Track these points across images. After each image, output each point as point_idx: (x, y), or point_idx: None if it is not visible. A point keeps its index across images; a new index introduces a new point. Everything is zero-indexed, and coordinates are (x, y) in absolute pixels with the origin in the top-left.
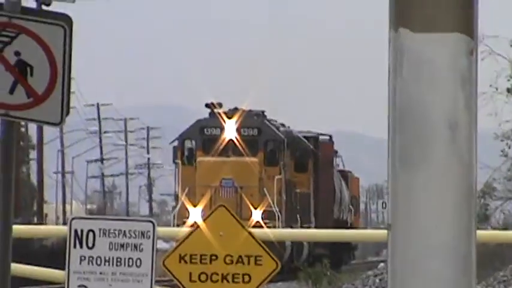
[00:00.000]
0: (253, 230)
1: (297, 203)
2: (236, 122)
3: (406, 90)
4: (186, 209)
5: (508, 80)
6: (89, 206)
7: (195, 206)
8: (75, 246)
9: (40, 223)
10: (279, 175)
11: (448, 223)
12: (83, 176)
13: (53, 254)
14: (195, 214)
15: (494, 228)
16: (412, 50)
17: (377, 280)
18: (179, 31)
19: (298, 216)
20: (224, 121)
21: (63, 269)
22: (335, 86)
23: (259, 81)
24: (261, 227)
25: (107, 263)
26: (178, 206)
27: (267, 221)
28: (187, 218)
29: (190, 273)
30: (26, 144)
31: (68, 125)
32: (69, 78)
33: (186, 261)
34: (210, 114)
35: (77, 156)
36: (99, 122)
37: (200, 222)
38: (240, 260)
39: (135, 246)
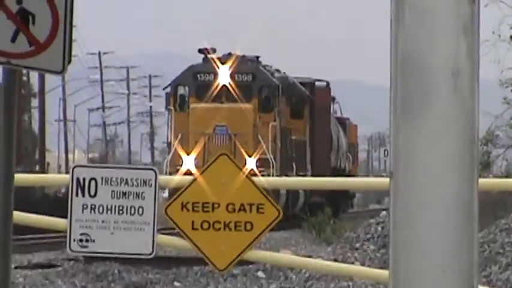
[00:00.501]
0: (254, 178)
1: (292, 151)
2: (230, 67)
3: (408, 38)
4: (179, 156)
5: (511, 28)
6: (90, 155)
7: (188, 153)
8: (77, 195)
9: (42, 171)
10: (273, 122)
11: (450, 171)
12: (84, 125)
13: (55, 202)
14: (188, 162)
15: (496, 176)
16: None
17: (379, 228)
18: None
19: (293, 164)
20: (218, 67)
21: (65, 217)
22: (334, 32)
23: (254, 26)
24: (255, 175)
25: (109, 211)
26: (171, 153)
27: (261, 169)
28: (180, 165)
29: (193, 222)
30: (27, 93)
31: (70, 73)
32: (71, 26)
33: (188, 210)
34: (203, 59)
35: (78, 105)
36: (101, 71)
37: (194, 170)
38: (242, 208)
39: (137, 195)
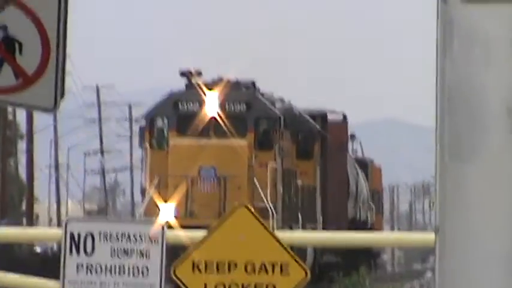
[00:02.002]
0: (278, 233)
1: (298, 198)
2: (219, 94)
3: (457, 70)
4: (156, 205)
5: None
6: (87, 206)
7: (166, 201)
8: (71, 253)
9: (30, 225)
10: (273, 162)
11: (507, 226)
12: (80, 171)
13: (46, 261)
14: (167, 212)
15: None
16: (463, 24)
17: None
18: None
19: (299, 214)
20: (204, 94)
21: (57, 278)
22: (365, 61)
23: (251, 46)
24: None
25: (108, 272)
26: (146, 201)
27: None
28: (157, 216)
29: (206, 285)
30: (13, 134)
31: (63, 110)
32: (64, 56)
33: (200, 270)
34: (186, 85)
35: (73, 148)
36: (99, 108)
37: (174, 221)
38: (263, 268)
39: (142, 253)
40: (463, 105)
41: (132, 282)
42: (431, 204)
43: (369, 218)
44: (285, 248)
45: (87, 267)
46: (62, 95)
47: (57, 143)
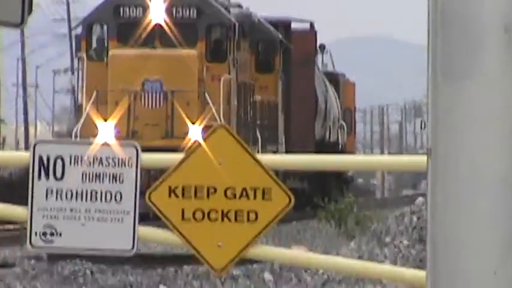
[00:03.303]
0: (260, 157)
1: (256, 116)
2: None
3: None
4: (93, 123)
5: None
6: (56, 128)
7: (105, 119)
8: (39, 178)
9: None
10: (227, 75)
11: (501, 148)
12: (49, 91)
13: (12, 186)
14: (106, 131)
15: None
16: None
17: (414, 218)
18: None
19: (258, 134)
20: None
21: (24, 204)
22: None
23: None
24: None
25: (79, 198)
26: (82, 119)
27: None
28: (95, 136)
29: (183, 210)
30: None
31: (31, 26)
32: None
33: (177, 195)
34: None
35: (42, 66)
36: (69, 23)
37: (114, 142)
38: (244, 193)
39: (114, 177)
40: (456, 22)
41: (105, 208)
42: (422, 125)
43: (340, 139)
44: (268, 173)
45: (56, 193)
46: (30, 9)
47: (25, 60)
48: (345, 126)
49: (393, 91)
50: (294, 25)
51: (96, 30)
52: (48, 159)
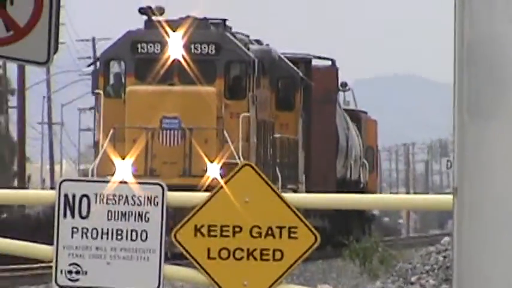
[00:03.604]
0: (286, 195)
1: (276, 153)
2: (184, 34)
3: (476, 23)
4: (111, 161)
5: None
6: (82, 166)
7: (123, 157)
8: (65, 216)
9: (22, 187)
10: (246, 112)
11: None
12: (74, 129)
13: (38, 225)
14: (123, 169)
15: None
16: None
17: (440, 258)
18: None
19: (278, 171)
20: (167, 34)
21: (50, 243)
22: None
23: None
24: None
25: (104, 236)
26: (99, 157)
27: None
28: (112, 174)
29: (209, 249)
30: (3, 89)
31: (56, 65)
32: (58, 7)
33: (203, 234)
34: (146, 23)
35: (67, 104)
36: (95, 62)
37: (131, 180)
38: (270, 232)
39: (140, 216)
40: (482, 60)
41: (131, 246)
42: (448, 165)
43: (362, 177)
44: (294, 211)
45: (82, 231)
46: (56, 48)
47: (51, 99)
48: (367, 164)
49: (419, 130)
50: (315, 62)
51: (114, 66)
52: (73, 198)
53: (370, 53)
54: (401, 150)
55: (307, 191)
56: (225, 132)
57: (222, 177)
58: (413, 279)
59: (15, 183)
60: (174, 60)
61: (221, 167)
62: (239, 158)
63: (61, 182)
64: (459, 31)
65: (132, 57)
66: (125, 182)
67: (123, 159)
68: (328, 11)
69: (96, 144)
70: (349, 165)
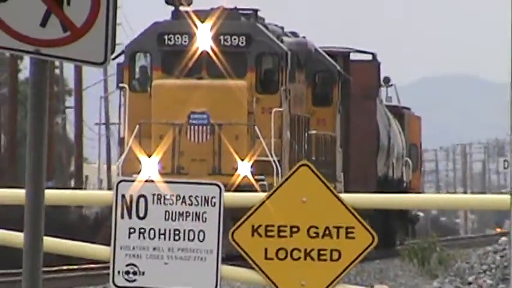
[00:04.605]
0: (343, 195)
1: (311, 151)
2: (213, 25)
3: None
4: (136, 158)
5: None
6: None
7: (149, 154)
8: (122, 216)
9: (79, 187)
10: (278, 107)
11: None
12: None
13: (96, 225)
14: (149, 166)
15: None
16: None
17: (497, 257)
18: None
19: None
20: (195, 25)
21: (108, 244)
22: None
23: None
24: (251, 185)
25: (162, 237)
26: (125, 153)
27: (260, 177)
28: (138, 172)
29: (266, 249)
30: (61, 90)
31: (113, 65)
32: (115, 7)
33: (260, 235)
34: (173, 14)
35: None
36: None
37: (158, 178)
38: (327, 232)
39: (198, 216)
40: None
41: (188, 247)
42: (505, 165)
43: (405, 176)
44: (351, 211)
45: (139, 232)
46: (113, 48)
47: (108, 99)
48: (410, 162)
49: (476, 129)
50: (355, 56)
51: (140, 59)
52: (131, 198)
53: (431, 53)
54: (458, 150)
55: (346, 190)
56: (256, 128)
57: (253, 176)
58: (470, 278)
59: (72, 183)
60: (202, 53)
61: (252, 165)
62: (271, 156)
63: (118, 183)
64: None
65: (159, 50)
66: (183, 183)
67: (150, 156)
68: (392, 11)
69: (121, 141)
70: (391, 164)
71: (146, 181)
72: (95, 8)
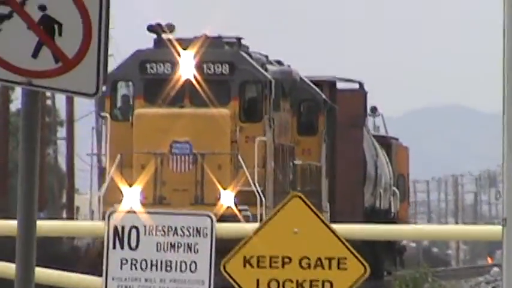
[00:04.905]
0: (335, 226)
1: (296, 181)
2: (196, 53)
3: None
4: (118, 188)
5: None
6: None
7: (130, 184)
8: (114, 247)
9: (70, 218)
10: (262, 136)
11: None
12: None
13: (87, 256)
14: (131, 197)
15: None
16: None
17: None
18: None
19: None
20: (178, 53)
21: (100, 275)
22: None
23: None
24: (234, 216)
25: (154, 268)
26: (106, 183)
27: (244, 207)
28: (120, 202)
29: (258, 280)
30: (53, 120)
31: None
32: (107, 39)
33: (252, 265)
34: (155, 42)
35: None
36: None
37: (139, 208)
38: (319, 263)
39: (189, 247)
40: None
41: (180, 278)
42: (497, 196)
43: (392, 207)
44: (343, 242)
45: (131, 263)
46: (105, 79)
47: (100, 130)
48: (397, 193)
49: (468, 160)
50: (342, 85)
51: (122, 87)
52: (123, 229)
53: (419, 84)
54: (450, 180)
55: (332, 221)
56: (239, 157)
57: (236, 206)
58: None
59: (64, 214)
60: (185, 81)
61: (235, 195)
62: (254, 186)
63: (110, 214)
64: (508, 62)
65: (141, 78)
66: (174, 214)
67: (131, 186)
68: (387, 43)
69: (102, 171)
70: (379, 194)
71: (138, 212)
72: (87, 39)
